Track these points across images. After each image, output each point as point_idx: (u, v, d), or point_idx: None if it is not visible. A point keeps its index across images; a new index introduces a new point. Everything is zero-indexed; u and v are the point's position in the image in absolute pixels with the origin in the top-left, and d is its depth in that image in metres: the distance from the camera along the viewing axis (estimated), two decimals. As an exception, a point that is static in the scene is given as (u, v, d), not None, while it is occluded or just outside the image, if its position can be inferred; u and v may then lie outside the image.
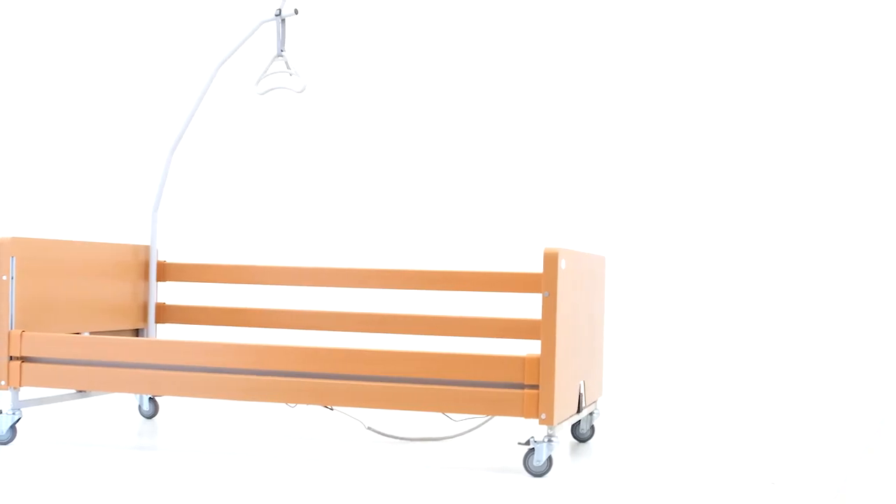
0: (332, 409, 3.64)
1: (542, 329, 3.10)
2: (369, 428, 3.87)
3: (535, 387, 3.12)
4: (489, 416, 3.74)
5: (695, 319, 4.93)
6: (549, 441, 3.15)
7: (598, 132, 5.03)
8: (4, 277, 3.47)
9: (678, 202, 4.95)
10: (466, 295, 5.04)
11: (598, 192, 5.02)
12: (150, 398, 4.22)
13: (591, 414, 3.81)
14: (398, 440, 3.81)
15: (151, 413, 4.22)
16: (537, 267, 4.93)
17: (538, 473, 3.16)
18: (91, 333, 3.89)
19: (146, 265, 4.15)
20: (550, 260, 3.11)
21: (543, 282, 3.11)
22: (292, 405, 4.00)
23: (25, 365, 3.48)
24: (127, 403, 4.55)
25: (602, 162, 5.03)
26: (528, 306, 4.93)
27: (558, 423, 3.18)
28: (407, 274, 3.98)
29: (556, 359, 3.10)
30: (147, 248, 4.16)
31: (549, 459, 3.17)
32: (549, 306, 3.11)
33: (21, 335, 3.47)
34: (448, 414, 4.19)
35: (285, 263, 5.00)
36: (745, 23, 4.89)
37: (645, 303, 4.98)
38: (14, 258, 3.48)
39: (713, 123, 4.92)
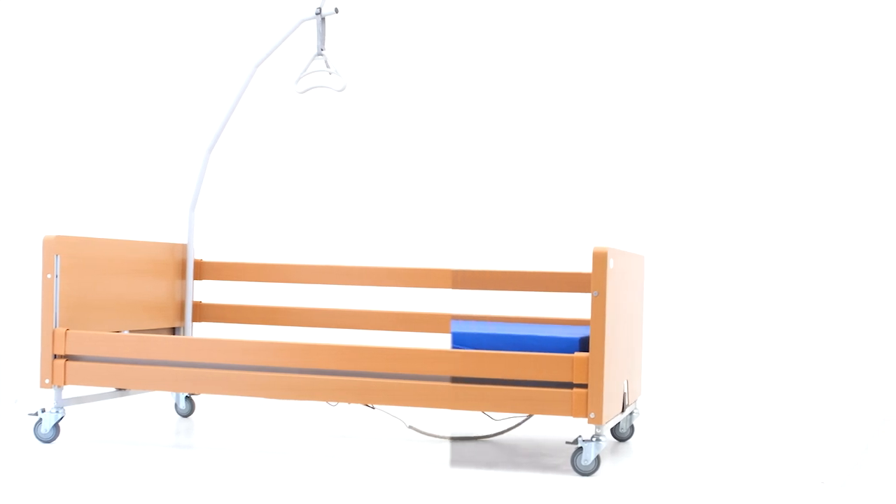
0: (373, 407, 3.64)
1: (591, 328, 3.10)
2: (410, 427, 3.86)
3: (584, 386, 3.11)
4: (528, 415, 3.74)
5: (730, 318, 4.92)
6: (598, 440, 3.15)
7: (623, 131, 5.03)
8: (49, 276, 3.47)
9: (711, 199, 4.94)
10: (505, 294, 5.02)
11: (628, 190, 5.01)
12: (186, 396, 4.22)
13: (630, 413, 3.81)
14: (439, 439, 3.80)
15: (188, 411, 4.22)
16: (567, 266, 4.92)
17: (586, 472, 3.16)
18: (130, 332, 3.89)
19: (183, 264, 4.15)
20: (600, 259, 3.11)
21: (593, 281, 3.11)
22: (333, 404, 4.00)
23: (69, 363, 3.48)
24: (163, 402, 4.55)
25: (632, 160, 5.02)
26: (565, 305, 4.92)
27: (606, 423, 3.18)
28: (446, 273, 3.97)
29: (605, 358, 3.10)
30: (184, 247, 4.16)
31: (597, 459, 3.16)
32: (599, 306, 3.10)
33: (66, 333, 3.47)
34: (488, 412, 4.18)
35: (322, 262, 5.00)
36: (796, 27, 4.88)
37: (682, 301, 4.97)
38: (58, 256, 3.48)
39: (747, 121, 4.91)
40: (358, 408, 4.48)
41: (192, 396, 4.28)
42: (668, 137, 4.99)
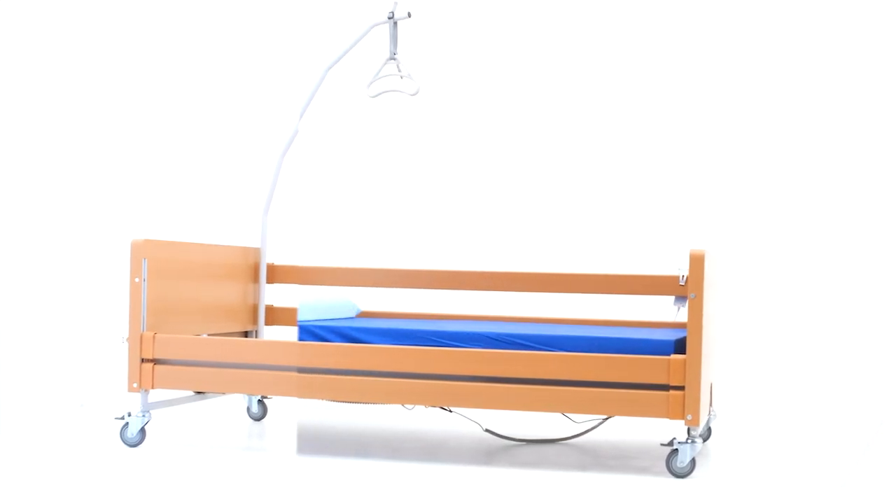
0: (450, 410, 3.63)
1: (688, 330, 3.10)
2: (487, 430, 3.86)
3: (681, 388, 3.11)
4: (606, 416, 3.73)
5: (798, 319, 4.92)
6: (693, 442, 3.16)
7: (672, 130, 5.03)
8: (137, 279, 3.47)
9: (768, 199, 4.94)
10: (579, 297, 5.00)
11: (673, 191, 5.01)
12: (259, 400, 4.22)
13: (709, 416, 3.81)
14: (518, 443, 3.80)
15: (260, 415, 4.22)
16: (622, 268, 4.91)
17: (682, 474, 3.16)
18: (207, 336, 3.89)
19: (256, 267, 4.15)
20: (697, 262, 3.11)
21: (690, 283, 3.12)
22: (409, 407, 3.99)
23: (157, 367, 3.49)
24: (236, 405, 4.55)
25: (685, 160, 5.02)
26: (623, 307, 4.91)
27: (701, 424, 3.19)
28: (514, 276, 3.98)
29: (701, 360, 3.10)
30: (257, 251, 4.16)
31: (693, 461, 3.17)
32: (696, 308, 3.11)
33: (154, 337, 3.47)
34: (567, 414, 4.17)
35: (392, 266, 4.99)
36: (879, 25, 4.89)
37: (749, 302, 4.97)
38: (146, 260, 3.49)
39: (801, 119, 4.91)
40: (434, 411, 4.46)
41: (265, 400, 4.28)
42: (744, 138, 5.00)
